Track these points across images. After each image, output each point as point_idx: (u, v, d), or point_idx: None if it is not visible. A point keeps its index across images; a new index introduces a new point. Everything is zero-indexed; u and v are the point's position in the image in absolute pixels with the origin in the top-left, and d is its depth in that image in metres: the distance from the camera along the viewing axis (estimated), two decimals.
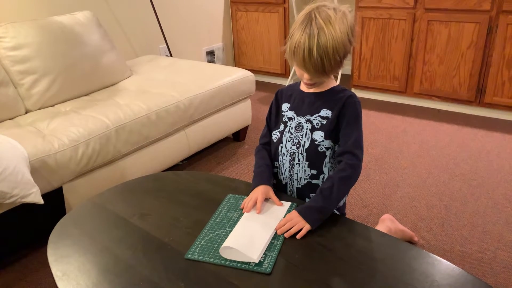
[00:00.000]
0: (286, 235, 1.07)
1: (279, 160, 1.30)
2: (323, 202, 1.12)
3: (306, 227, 1.08)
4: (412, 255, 1.01)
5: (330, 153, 1.24)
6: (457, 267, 0.96)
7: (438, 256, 1.02)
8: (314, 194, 1.26)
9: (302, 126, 1.25)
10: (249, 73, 2.63)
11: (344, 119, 1.20)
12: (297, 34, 1.12)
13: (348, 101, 1.21)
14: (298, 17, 1.16)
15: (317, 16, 1.10)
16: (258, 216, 1.15)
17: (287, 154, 1.27)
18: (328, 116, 1.22)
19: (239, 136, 2.78)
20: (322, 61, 1.11)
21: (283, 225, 1.09)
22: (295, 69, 1.22)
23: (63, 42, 2.23)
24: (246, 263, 0.99)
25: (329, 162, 1.25)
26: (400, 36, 3.08)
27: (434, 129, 2.84)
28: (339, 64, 1.15)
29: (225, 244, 1.03)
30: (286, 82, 3.74)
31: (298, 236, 1.07)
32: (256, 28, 3.78)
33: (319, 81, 1.22)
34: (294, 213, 1.11)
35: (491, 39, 2.75)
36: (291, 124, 1.27)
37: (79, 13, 2.45)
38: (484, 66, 2.83)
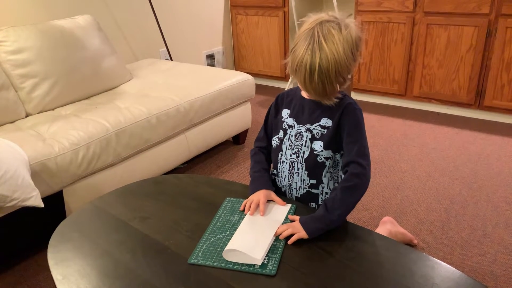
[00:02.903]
0: (281, 237, 1.07)
1: (278, 167, 1.28)
2: (324, 212, 1.11)
3: (302, 233, 1.07)
4: (412, 258, 1.01)
5: (329, 163, 1.22)
6: (457, 270, 0.97)
7: (438, 259, 1.02)
8: (313, 203, 1.26)
9: (302, 135, 1.22)
10: (249, 77, 2.63)
11: (344, 128, 1.17)
12: (299, 52, 1.08)
13: (347, 108, 1.17)
14: (301, 31, 1.11)
15: (320, 34, 1.06)
16: (260, 218, 1.15)
17: (286, 162, 1.26)
18: (328, 125, 1.19)
19: (239, 139, 2.79)
20: (324, 85, 1.08)
21: (284, 231, 1.08)
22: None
23: (64, 46, 2.24)
24: (250, 265, 1.00)
25: (328, 172, 1.23)
26: (400, 39, 3.09)
27: (433, 132, 2.85)
28: (343, 83, 1.12)
29: (228, 246, 1.03)
30: (286, 85, 3.75)
31: (289, 242, 1.06)
32: (256, 32, 3.80)
33: None
34: (297, 221, 1.11)
35: (490, 42, 2.76)
36: (291, 132, 1.25)
37: (80, 17, 2.46)
38: (484, 69, 2.84)
